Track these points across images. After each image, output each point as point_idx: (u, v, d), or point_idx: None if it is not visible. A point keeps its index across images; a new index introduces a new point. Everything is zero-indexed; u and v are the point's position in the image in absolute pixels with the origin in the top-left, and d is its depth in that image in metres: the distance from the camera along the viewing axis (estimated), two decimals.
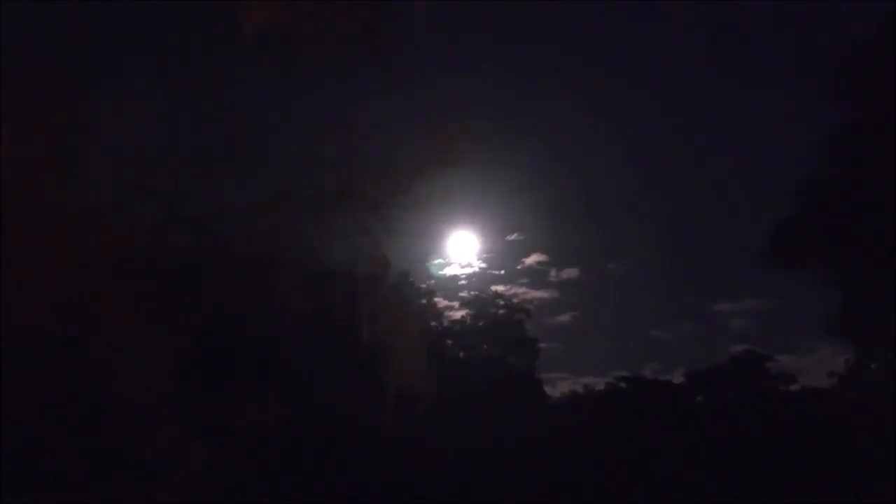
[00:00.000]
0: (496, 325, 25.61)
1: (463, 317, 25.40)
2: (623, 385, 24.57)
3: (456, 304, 25.48)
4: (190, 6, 13.00)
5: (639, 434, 21.90)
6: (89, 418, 12.98)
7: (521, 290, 28.12)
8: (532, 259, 29.18)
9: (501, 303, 26.19)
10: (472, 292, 26.21)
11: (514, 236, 28.84)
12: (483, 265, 27.10)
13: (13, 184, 11.78)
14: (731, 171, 29.34)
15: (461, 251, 25.87)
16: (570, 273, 29.52)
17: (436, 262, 24.12)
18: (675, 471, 20.41)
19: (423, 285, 22.24)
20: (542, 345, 25.87)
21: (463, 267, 26.27)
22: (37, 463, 12.19)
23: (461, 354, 24.70)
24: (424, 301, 22.24)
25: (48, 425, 12.28)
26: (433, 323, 22.79)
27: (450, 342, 24.38)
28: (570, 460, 20.92)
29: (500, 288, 27.10)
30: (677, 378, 24.92)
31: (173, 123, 14.28)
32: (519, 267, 28.95)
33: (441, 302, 24.49)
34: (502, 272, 28.16)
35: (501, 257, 28.26)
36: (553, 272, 29.42)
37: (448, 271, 25.65)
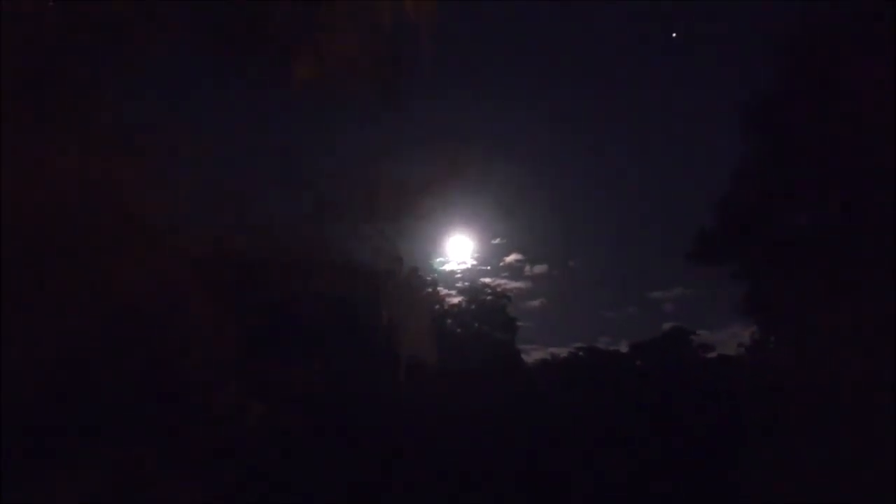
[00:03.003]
0: (485, 309, 25.37)
1: (459, 302, 25.13)
2: (581, 353, 24.52)
3: (454, 292, 25.25)
4: (253, 61, 12.56)
5: (594, 391, 21.77)
6: (166, 383, 12.78)
7: (503, 281, 27.91)
8: (511, 258, 29.04)
9: (489, 291, 25.93)
10: (466, 283, 25.85)
11: (497, 240, 28.71)
12: (474, 262, 26.87)
13: (114, 197, 11.30)
14: (663, 189, 29.32)
15: (458, 252, 25.56)
16: (541, 269, 29.37)
17: (438, 260, 23.67)
18: (621, 420, 20.27)
19: (429, 278, 22.00)
20: (519, 323, 25.62)
21: (459, 264, 26.02)
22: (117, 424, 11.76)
23: (458, 331, 24.44)
24: (430, 290, 22.05)
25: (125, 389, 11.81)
26: (436, 307, 22.43)
27: (449, 321, 24.10)
28: (541, 411, 20.77)
29: (487, 280, 26.85)
30: (623, 348, 24.77)
31: (237, 151, 14.16)
32: (501, 264, 28.79)
33: (442, 291, 24.11)
34: (489, 268, 27.94)
35: (488, 256, 28.13)
36: (527, 268, 29.24)
37: (447, 267, 25.35)
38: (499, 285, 27.81)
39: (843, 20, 13.40)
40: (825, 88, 13.29)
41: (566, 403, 21.21)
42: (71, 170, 10.26)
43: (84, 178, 10.37)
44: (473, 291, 25.88)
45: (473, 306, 25.60)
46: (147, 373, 12.29)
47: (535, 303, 30.60)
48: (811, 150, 13.95)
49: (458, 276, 26.45)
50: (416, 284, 17.23)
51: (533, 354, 27.43)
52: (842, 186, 13.82)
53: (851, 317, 13.21)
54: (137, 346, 11.82)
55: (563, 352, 26.26)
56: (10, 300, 10.09)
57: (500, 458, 19.56)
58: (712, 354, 23.13)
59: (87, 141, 10.63)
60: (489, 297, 26.06)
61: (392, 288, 15.36)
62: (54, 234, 10.27)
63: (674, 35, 24.60)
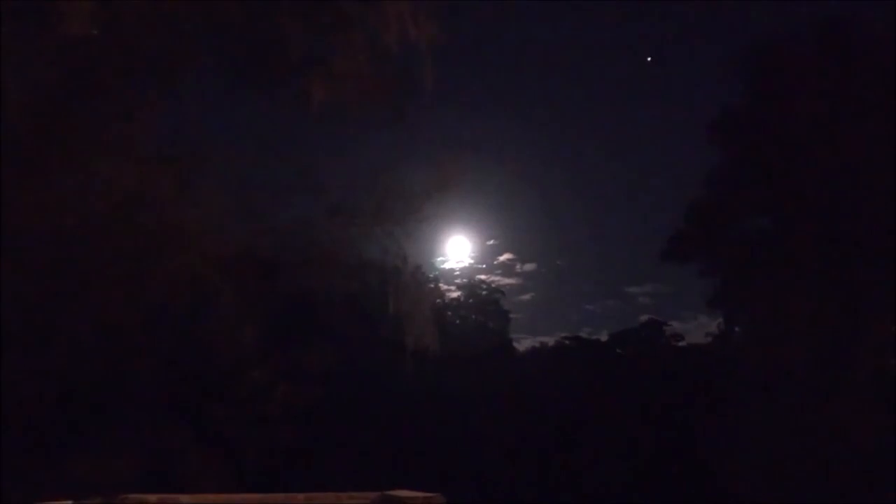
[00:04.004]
0: (480, 302, 25.35)
1: (458, 296, 25.14)
2: (567, 342, 24.54)
3: (453, 287, 25.26)
4: (276, 84, 12.56)
5: (577, 376, 21.74)
6: (201, 368, 12.77)
7: (497, 278, 28.04)
8: (504, 257, 29.15)
9: (484, 287, 25.96)
10: (464, 280, 25.97)
11: (492, 241, 28.84)
12: (471, 261, 27.00)
13: (154, 204, 11.26)
14: (639, 196, 29.54)
15: (457, 251, 25.73)
16: (530, 267, 29.48)
17: (439, 259, 23.81)
18: (601, 401, 20.23)
19: (431, 275, 21.97)
20: (511, 315, 25.73)
21: (458, 262, 26.17)
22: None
23: (457, 322, 24.43)
24: (432, 286, 21.94)
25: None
26: (437, 300, 22.37)
27: (449, 313, 24.07)
28: (531, 393, 20.74)
29: (483, 277, 27.05)
30: (603, 337, 24.90)
31: (262, 163, 14.09)
32: (495, 262, 28.93)
33: (443, 286, 24.22)
34: (484, 266, 28.09)
35: (484, 256, 28.29)
36: (518, 266, 29.36)
37: (447, 265, 25.44)
38: (493, 281, 27.84)
39: (799, 45, 13.43)
40: (784, 107, 13.30)
41: (553, 386, 21.19)
42: (117, 179, 10.21)
43: (127, 188, 10.31)
44: (470, 287, 25.84)
45: (471, 300, 25.54)
46: (184, 359, 12.26)
47: (526, 297, 30.61)
48: (771, 162, 13.95)
49: (457, 273, 26.47)
50: (419, 280, 17.08)
51: (523, 343, 27.49)
52: (797, 194, 13.85)
53: (804, 307, 13.27)
54: (175, 336, 11.77)
55: (550, 340, 26.28)
56: (64, 294, 10.09)
57: (493, 433, 19.54)
58: (683, 343, 23.17)
59: (129, 154, 10.57)
60: (484, 292, 26.01)
61: (398, 283, 15.24)
62: (102, 237, 10.23)
63: (648, 59, 24.57)
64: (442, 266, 24.70)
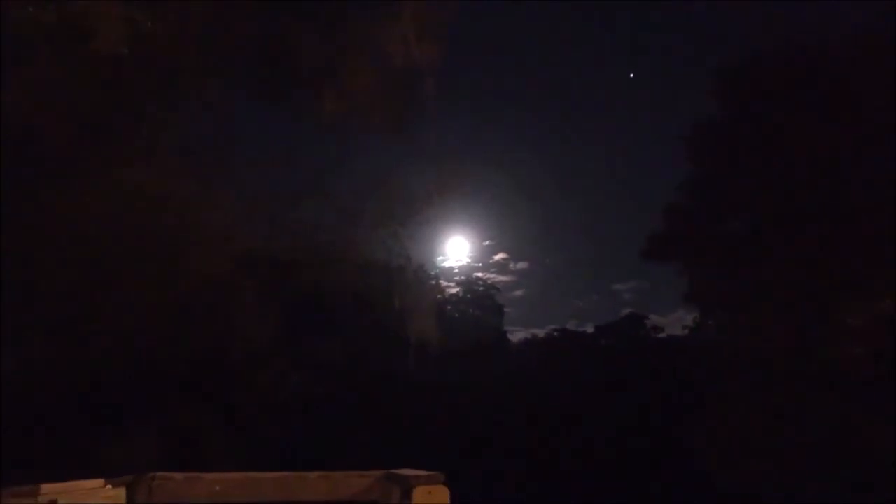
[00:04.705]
0: (477, 298, 25.38)
1: (457, 292, 25.20)
2: (556, 334, 24.58)
3: (452, 284, 25.30)
4: (292, 98, 12.53)
5: (565, 364, 21.75)
6: (221, 359, 12.72)
7: (493, 275, 28.08)
8: (499, 256, 29.21)
9: (481, 284, 26.00)
10: (462, 277, 26.00)
11: (487, 242, 28.90)
12: (469, 260, 27.01)
13: (180, 207, 11.23)
14: (622, 201, 29.59)
15: (455, 251, 25.74)
16: (522, 265, 29.57)
17: (439, 258, 23.79)
18: (587, 387, 20.23)
19: (432, 273, 22.03)
20: (506, 309, 25.84)
21: (457, 261, 26.17)
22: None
23: (456, 315, 24.44)
24: (433, 283, 21.99)
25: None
26: (438, 296, 22.47)
27: (448, 308, 24.11)
28: (523, 380, 20.74)
29: (479, 274, 27.05)
30: (589, 329, 24.92)
31: (278, 170, 14.09)
32: (491, 261, 28.98)
33: (443, 283, 24.27)
34: (480, 264, 28.10)
35: (480, 255, 28.31)
36: (512, 265, 29.45)
37: (447, 264, 25.41)
38: (489, 279, 27.88)
39: (768, 66, 13.49)
40: (755, 121, 13.33)
41: (543, 374, 21.19)
42: (146, 185, 10.19)
43: (156, 192, 10.30)
44: (468, 284, 25.87)
45: (468, 296, 25.57)
46: (206, 350, 12.21)
47: (519, 293, 30.69)
48: (742, 171, 13.98)
49: (456, 271, 26.49)
50: (421, 278, 17.12)
51: (516, 334, 27.55)
52: (766, 200, 13.86)
53: (772, 303, 13.30)
54: (199, 328, 11.72)
55: (541, 332, 26.31)
56: (98, 288, 10.09)
57: (489, 417, 19.54)
58: (662, 335, 23.21)
59: (157, 161, 10.56)
60: (481, 289, 26.05)
61: (402, 281, 15.23)
62: (132, 237, 10.21)
63: (631, 76, 24.55)
64: (442, 265, 24.75)
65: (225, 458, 11.72)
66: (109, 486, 3.54)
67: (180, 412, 11.95)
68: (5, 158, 8.46)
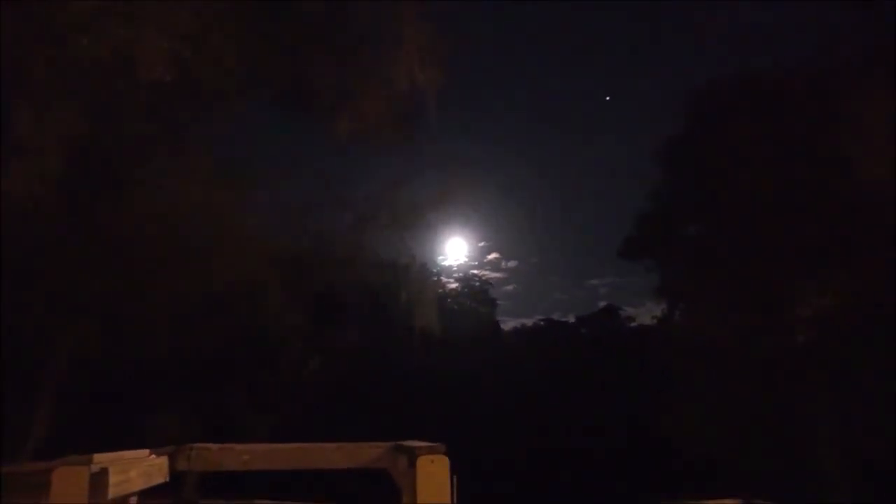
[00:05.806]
0: (474, 292, 25.40)
1: (455, 287, 25.23)
2: (542, 323, 24.60)
3: (452, 280, 25.36)
4: (311, 118, 12.40)
5: (549, 349, 21.75)
6: (252, 346, 12.72)
7: (487, 272, 28.12)
8: (492, 256, 29.36)
9: (477, 280, 26.06)
10: (460, 274, 26.15)
11: (482, 243, 28.97)
12: (466, 259, 27.10)
13: (215, 214, 11.16)
14: (599, 207, 29.51)
15: (454, 251, 25.77)
16: (513, 263, 29.69)
17: (440, 257, 23.83)
18: (569, 371, 20.21)
19: (434, 270, 22.05)
20: (498, 302, 25.89)
21: (455, 260, 26.24)
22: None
23: (455, 307, 24.46)
24: (434, 279, 22.01)
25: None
26: (439, 291, 22.43)
27: (448, 301, 24.12)
28: (513, 363, 20.73)
29: (475, 271, 27.11)
30: (571, 320, 24.94)
31: (300, 181, 14.04)
32: (485, 260, 29.08)
33: (444, 279, 24.29)
34: (476, 263, 28.19)
35: (476, 254, 28.33)
36: (504, 263, 29.57)
37: (447, 263, 25.52)
38: (483, 275, 27.94)
39: (728, 89, 13.47)
40: (714, 138, 13.31)
41: (531, 357, 21.19)
42: (187, 194, 10.18)
43: (195, 201, 10.29)
44: (466, 280, 25.92)
45: (466, 290, 25.59)
46: (238, 338, 12.20)
47: (509, 287, 30.80)
48: (703, 181, 13.96)
49: (455, 268, 26.55)
50: (424, 275, 17.08)
51: (508, 324, 27.64)
52: (722, 206, 13.83)
53: (727, 295, 13.32)
54: (231, 320, 11.71)
55: (528, 322, 26.40)
56: (146, 285, 10.08)
57: (484, 397, 19.52)
58: (634, 324, 23.21)
59: (196, 173, 10.55)
60: (477, 284, 26.09)
61: (408, 277, 15.21)
62: (175, 240, 10.19)
63: (607, 98, 24.50)
64: (442, 263, 24.77)
65: (253, 430, 11.71)
66: (154, 455, 3.55)
67: (215, 391, 11.94)
68: (72, 175, 8.52)
